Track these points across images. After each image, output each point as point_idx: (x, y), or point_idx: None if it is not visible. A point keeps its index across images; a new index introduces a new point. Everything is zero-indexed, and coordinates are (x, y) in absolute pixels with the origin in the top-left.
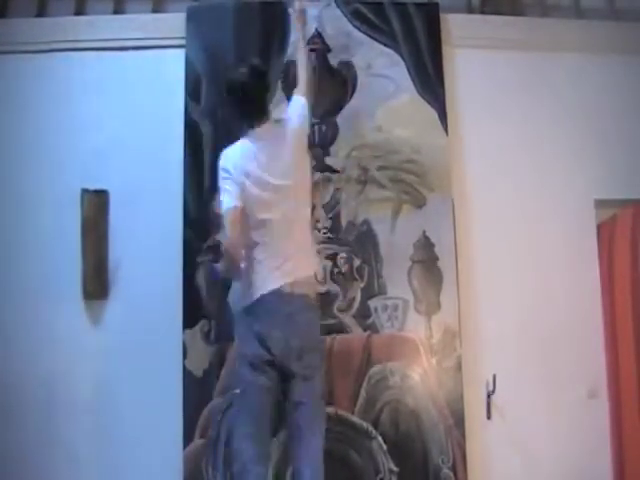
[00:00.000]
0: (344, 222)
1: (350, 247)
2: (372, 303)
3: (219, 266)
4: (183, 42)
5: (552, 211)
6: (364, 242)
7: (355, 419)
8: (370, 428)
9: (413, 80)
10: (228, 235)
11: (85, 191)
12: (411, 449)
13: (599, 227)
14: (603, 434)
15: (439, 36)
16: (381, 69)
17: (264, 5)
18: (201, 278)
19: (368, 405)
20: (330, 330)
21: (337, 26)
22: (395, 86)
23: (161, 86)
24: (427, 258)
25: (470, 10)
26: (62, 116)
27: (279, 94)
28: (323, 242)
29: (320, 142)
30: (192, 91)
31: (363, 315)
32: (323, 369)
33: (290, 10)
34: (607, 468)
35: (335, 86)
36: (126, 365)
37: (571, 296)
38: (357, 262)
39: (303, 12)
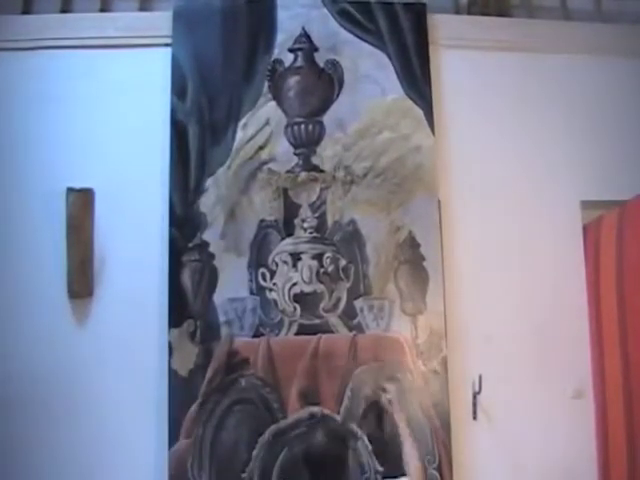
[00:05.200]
0: (330, 222)
1: (336, 247)
2: (358, 303)
3: None
4: (169, 41)
5: (538, 212)
6: (350, 242)
7: (340, 419)
8: (355, 428)
9: (400, 80)
10: None
11: (70, 190)
12: (397, 449)
13: (585, 228)
14: (589, 434)
15: (426, 36)
16: (368, 69)
17: (251, 4)
18: (186, 277)
19: (353, 405)
20: (316, 330)
21: (324, 25)
22: (382, 86)
23: (147, 85)
24: (413, 258)
25: (457, 11)
26: (47, 114)
27: (265, 96)
28: (308, 242)
29: (306, 141)
30: (178, 90)
31: (349, 315)
32: None
33: None
34: (593, 468)
35: (321, 85)
36: (111, 364)
37: (557, 297)
38: (343, 262)
39: None
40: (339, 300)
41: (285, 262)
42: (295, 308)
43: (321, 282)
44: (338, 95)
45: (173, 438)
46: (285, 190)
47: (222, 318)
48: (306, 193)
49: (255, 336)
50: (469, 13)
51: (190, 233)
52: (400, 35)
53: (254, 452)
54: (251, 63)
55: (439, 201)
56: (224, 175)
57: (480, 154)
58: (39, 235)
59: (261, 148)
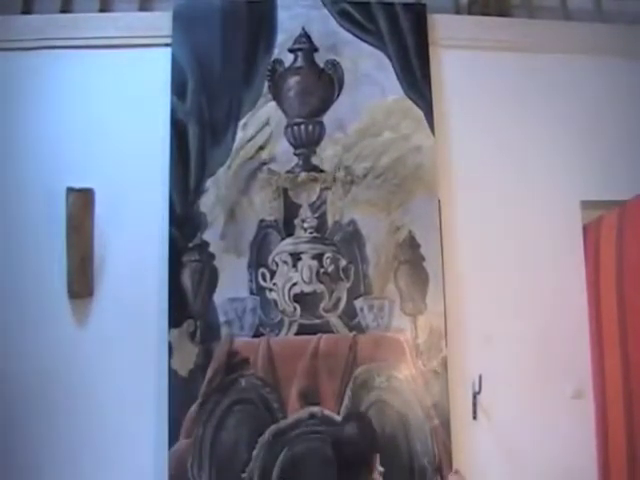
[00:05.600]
0: (330, 222)
1: (336, 247)
2: (358, 303)
3: None
4: (169, 41)
5: (538, 212)
6: (350, 242)
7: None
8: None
9: (400, 80)
10: None
11: (70, 189)
12: (397, 450)
13: (585, 228)
14: (589, 434)
15: (426, 36)
16: (368, 69)
17: (251, 4)
18: (186, 277)
19: (354, 405)
20: (316, 330)
21: (324, 26)
22: (382, 86)
23: (147, 85)
24: (413, 258)
25: (457, 11)
26: (47, 114)
27: (265, 96)
28: (309, 242)
29: (306, 142)
30: (178, 90)
31: (349, 315)
32: None
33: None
34: (593, 468)
35: (322, 86)
36: (111, 364)
37: (557, 297)
38: (343, 262)
39: None
40: (339, 300)
41: (285, 262)
42: (295, 308)
43: (321, 282)
44: (338, 95)
45: (173, 438)
46: (285, 190)
47: (222, 318)
48: (306, 193)
49: (255, 336)
50: (469, 13)
51: (190, 233)
52: (400, 35)
53: (254, 452)
54: (251, 63)
55: (439, 201)
56: (224, 175)
57: (480, 154)
58: (39, 235)
59: (261, 148)
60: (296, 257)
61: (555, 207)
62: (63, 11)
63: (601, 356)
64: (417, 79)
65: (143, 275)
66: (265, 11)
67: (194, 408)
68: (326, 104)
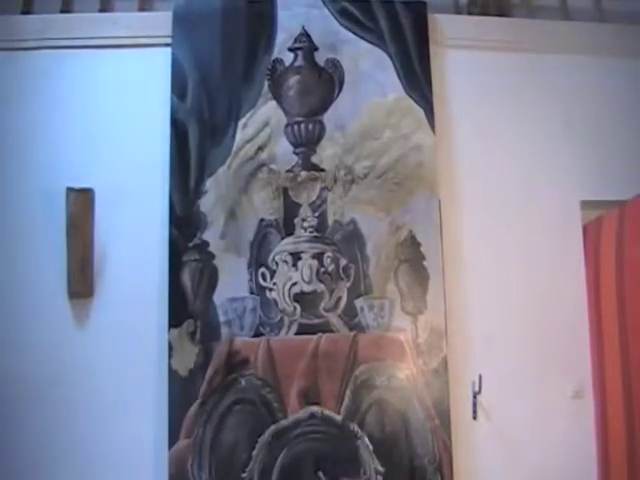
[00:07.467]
0: (330, 221)
1: (336, 246)
2: (358, 303)
3: None
4: (169, 41)
5: (538, 211)
6: (350, 241)
7: (341, 419)
8: (356, 428)
9: (400, 79)
10: None
11: (70, 189)
12: (397, 449)
13: (585, 228)
14: (588, 434)
15: (426, 35)
16: (368, 68)
17: (251, 4)
18: (186, 277)
19: (354, 405)
20: (316, 330)
21: (324, 24)
22: (382, 85)
23: (147, 85)
24: (413, 257)
25: (457, 10)
26: (47, 114)
27: (265, 95)
28: (309, 241)
29: (306, 141)
30: (178, 90)
31: (349, 315)
32: None
33: None
34: (592, 468)
35: (322, 84)
36: (111, 364)
37: (557, 297)
38: (343, 261)
39: None
40: (339, 299)
41: (285, 261)
42: (295, 308)
43: (321, 281)
44: (338, 94)
45: (173, 438)
46: (285, 189)
47: (222, 318)
48: (306, 192)
49: (255, 336)
50: (469, 13)
51: (190, 233)
52: (400, 34)
53: (254, 452)
54: (251, 63)
55: (439, 200)
56: (224, 175)
57: (480, 153)
58: (39, 235)
59: (261, 148)
60: (296, 256)
61: (555, 207)
62: (63, 11)
63: (601, 356)
64: (418, 78)
65: (143, 275)
66: (265, 10)
67: (194, 408)
68: (326, 103)
